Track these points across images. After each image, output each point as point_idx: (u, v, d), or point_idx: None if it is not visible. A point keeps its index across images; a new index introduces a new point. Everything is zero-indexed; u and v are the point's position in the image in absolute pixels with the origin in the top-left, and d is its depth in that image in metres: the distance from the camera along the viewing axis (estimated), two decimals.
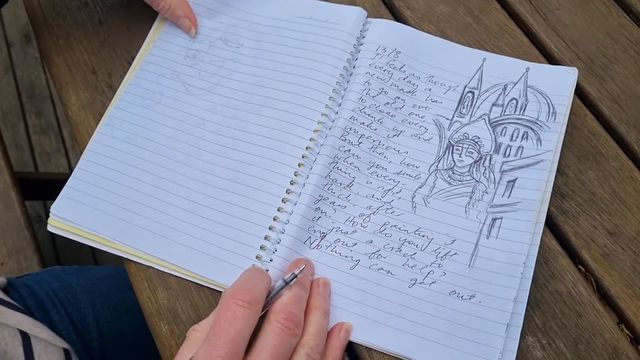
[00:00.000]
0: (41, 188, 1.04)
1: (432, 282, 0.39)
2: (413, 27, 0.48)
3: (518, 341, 0.37)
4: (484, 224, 0.40)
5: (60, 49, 0.48)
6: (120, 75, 0.47)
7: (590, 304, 0.39)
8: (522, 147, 0.42)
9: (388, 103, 0.44)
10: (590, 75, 0.46)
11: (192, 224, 0.40)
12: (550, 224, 0.41)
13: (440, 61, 0.46)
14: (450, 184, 0.42)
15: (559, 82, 0.44)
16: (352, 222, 0.40)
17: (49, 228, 0.41)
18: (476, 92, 0.45)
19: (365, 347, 0.38)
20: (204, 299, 0.39)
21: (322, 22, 0.47)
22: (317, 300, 0.37)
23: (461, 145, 0.43)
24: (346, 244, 0.40)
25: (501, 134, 0.43)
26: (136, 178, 0.42)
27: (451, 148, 0.43)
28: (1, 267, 0.71)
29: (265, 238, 0.40)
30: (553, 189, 0.42)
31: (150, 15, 0.49)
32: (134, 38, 0.48)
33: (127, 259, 0.40)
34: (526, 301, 0.38)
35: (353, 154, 0.42)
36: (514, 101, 0.44)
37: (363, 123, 0.43)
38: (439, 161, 0.42)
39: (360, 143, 0.42)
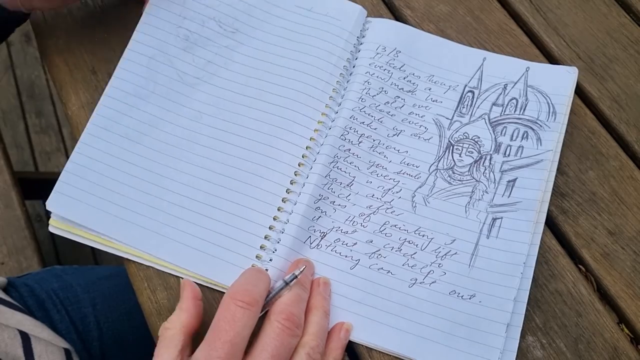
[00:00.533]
0: (41, 188, 1.03)
1: (432, 282, 0.39)
2: (413, 26, 0.48)
3: (518, 341, 0.37)
4: (484, 223, 0.40)
5: (60, 48, 0.48)
6: None
7: (591, 303, 0.39)
8: (522, 146, 0.42)
9: (388, 102, 0.44)
10: (590, 75, 0.46)
11: (192, 223, 0.40)
12: (551, 223, 0.41)
13: (440, 61, 0.46)
14: (450, 183, 0.41)
15: (559, 81, 0.44)
16: (352, 222, 0.40)
17: (50, 229, 0.41)
18: (476, 92, 0.45)
19: (365, 346, 0.38)
20: (203, 298, 0.39)
21: (321, 16, 0.46)
22: (318, 300, 0.37)
23: (461, 144, 0.43)
24: (346, 244, 0.40)
25: (501, 133, 0.43)
26: (131, 174, 0.41)
27: (451, 148, 0.43)
28: (1, 267, 0.71)
29: (265, 237, 0.40)
30: (553, 188, 0.41)
31: None
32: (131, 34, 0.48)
33: (127, 258, 0.40)
34: (526, 301, 0.38)
35: (353, 153, 0.42)
36: (514, 101, 0.44)
37: (363, 122, 0.43)
38: (439, 161, 0.42)
39: (360, 142, 0.42)
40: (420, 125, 0.44)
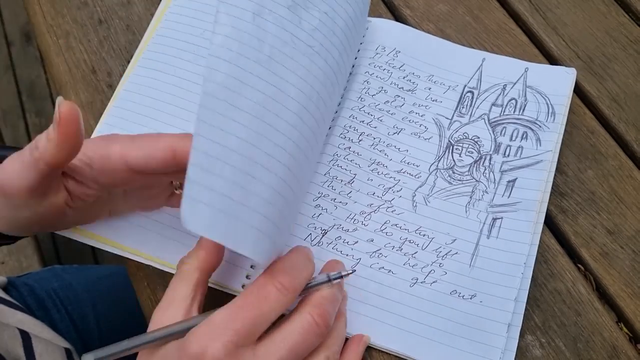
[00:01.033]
0: None
1: (433, 282, 0.39)
2: (412, 26, 0.48)
3: (517, 340, 0.37)
4: (484, 223, 0.40)
5: (60, 48, 0.48)
6: (120, 75, 0.47)
7: (590, 302, 0.39)
8: (522, 147, 0.42)
9: (388, 101, 0.44)
10: (589, 74, 0.46)
11: None
12: (550, 223, 0.41)
13: (440, 61, 0.46)
14: (450, 183, 0.42)
15: (558, 82, 0.44)
16: (353, 220, 0.40)
17: None
18: (475, 92, 0.45)
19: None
20: None
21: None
22: (344, 306, 0.35)
23: (461, 144, 0.43)
24: (347, 242, 0.40)
25: (501, 133, 0.43)
26: None
27: (451, 147, 0.43)
28: (1, 266, 0.71)
29: None
30: (552, 188, 0.42)
31: (150, 14, 0.49)
32: (134, 37, 0.48)
33: (127, 258, 0.40)
34: (525, 300, 0.38)
35: (353, 151, 0.42)
36: (513, 101, 0.44)
37: (363, 121, 0.43)
38: (439, 160, 0.42)
39: (360, 140, 0.43)
40: (420, 125, 0.44)
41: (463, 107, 0.44)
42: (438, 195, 0.41)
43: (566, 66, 0.46)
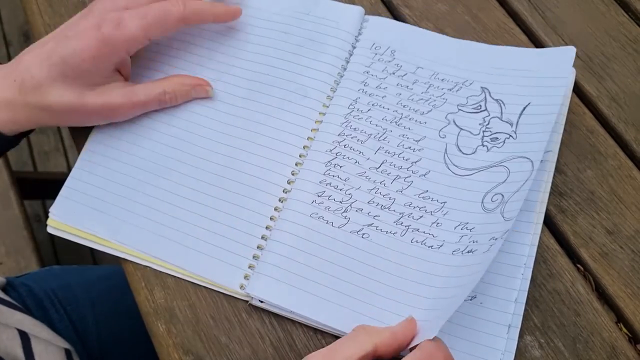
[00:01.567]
0: (40, 187, 1.03)
1: None
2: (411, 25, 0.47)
3: (517, 341, 0.37)
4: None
5: None
6: None
7: (589, 303, 0.39)
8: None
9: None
10: (588, 74, 0.46)
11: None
12: (549, 223, 0.41)
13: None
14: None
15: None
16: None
17: (49, 229, 0.41)
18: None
19: None
20: (201, 298, 0.39)
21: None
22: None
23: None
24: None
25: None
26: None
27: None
28: (0, 267, 0.71)
29: (262, 237, 0.40)
30: (551, 187, 0.41)
31: None
32: None
33: (124, 258, 0.40)
34: (524, 301, 0.38)
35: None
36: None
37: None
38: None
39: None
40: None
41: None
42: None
43: None
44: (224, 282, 0.39)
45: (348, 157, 0.42)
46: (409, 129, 0.43)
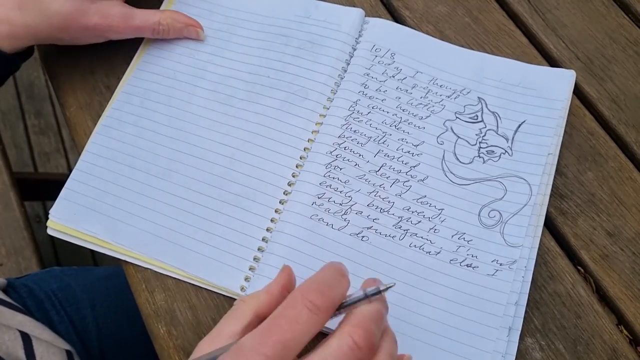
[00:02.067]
0: (40, 188, 1.03)
1: None
2: (412, 27, 0.47)
3: (517, 344, 0.37)
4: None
5: (58, 49, 0.48)
6: (118, 76, 0.46)
7: (590, 305, 0.39)
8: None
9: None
10: (589, 76, 0.46)
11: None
12: (550, 225, 0.41)
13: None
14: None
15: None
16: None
17: (49, 231, 0.41)
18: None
19: None
20: (201, 300, 0.39)
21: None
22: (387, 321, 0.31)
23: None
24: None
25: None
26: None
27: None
28: (0, 268, 0.71)
29: (263, 239, 0.40)
30: (552, 189, 0.41)
31: None
32: (132, 38, 0.48)
33: (124, 260, 0.40)
34: (525, 304, 0.38)
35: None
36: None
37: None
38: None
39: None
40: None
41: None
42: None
43: (566, 67, 0.46)
44: (225, 283, 0.39)
45: (348, 160, 0.42)
46: (408, 133, 0.43)
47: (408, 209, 0.40)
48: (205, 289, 0.39)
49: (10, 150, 1.32)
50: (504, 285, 0.38)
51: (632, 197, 0.42)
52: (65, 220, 0.41)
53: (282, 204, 0.41)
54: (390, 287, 0.30)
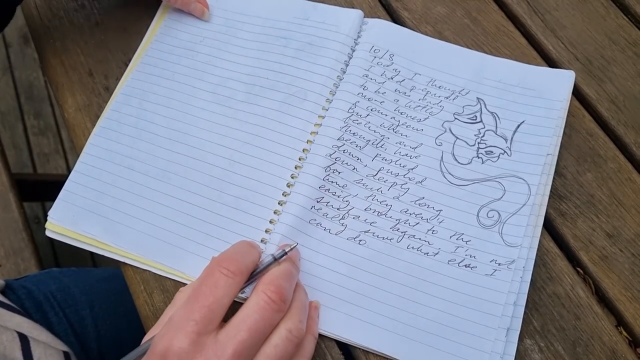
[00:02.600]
0: (39, 189, 1.03)
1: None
2: (410, 28, 0.47)
3: (516, 344, 0.37)
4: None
5: (57, 50, 0.48)
6: (117, 77, 0.46)
7: (589, 306, 0.39)
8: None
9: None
10: (588, 77, 0.46)
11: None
12: (549, 226, 0.41)
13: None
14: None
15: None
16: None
17: (48, 233, 0.41)
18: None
19: (362, 350, 0.38)
20: None
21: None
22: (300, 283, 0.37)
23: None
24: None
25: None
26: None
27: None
28: None
29: (262, 241, 0.40)
30: (551, 190, 0.41)
31: (147, 17, 0.49)
32: (131, 39, 0.48)
33: (123, 262, 0.40)
34: (524, 304, 0.38)
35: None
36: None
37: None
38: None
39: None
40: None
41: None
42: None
43: (565, 68, 0.46)
44: None
45: (347, 164, 0.42)
46: (406, 136, 0.43)
47: (406, 211, 0.40)
48: None
49: (10, 151, 1.32)
50: (502, 285, 0.38)
51: (632, 198, 0.42)
52: (64, 222, 0.41)
53: (281, 205, 0.41)
54: (293, 247, 0.36)
